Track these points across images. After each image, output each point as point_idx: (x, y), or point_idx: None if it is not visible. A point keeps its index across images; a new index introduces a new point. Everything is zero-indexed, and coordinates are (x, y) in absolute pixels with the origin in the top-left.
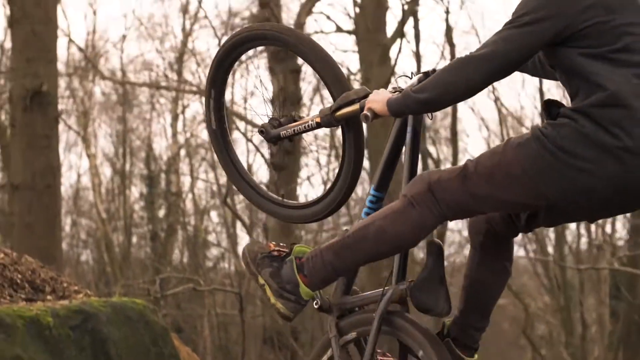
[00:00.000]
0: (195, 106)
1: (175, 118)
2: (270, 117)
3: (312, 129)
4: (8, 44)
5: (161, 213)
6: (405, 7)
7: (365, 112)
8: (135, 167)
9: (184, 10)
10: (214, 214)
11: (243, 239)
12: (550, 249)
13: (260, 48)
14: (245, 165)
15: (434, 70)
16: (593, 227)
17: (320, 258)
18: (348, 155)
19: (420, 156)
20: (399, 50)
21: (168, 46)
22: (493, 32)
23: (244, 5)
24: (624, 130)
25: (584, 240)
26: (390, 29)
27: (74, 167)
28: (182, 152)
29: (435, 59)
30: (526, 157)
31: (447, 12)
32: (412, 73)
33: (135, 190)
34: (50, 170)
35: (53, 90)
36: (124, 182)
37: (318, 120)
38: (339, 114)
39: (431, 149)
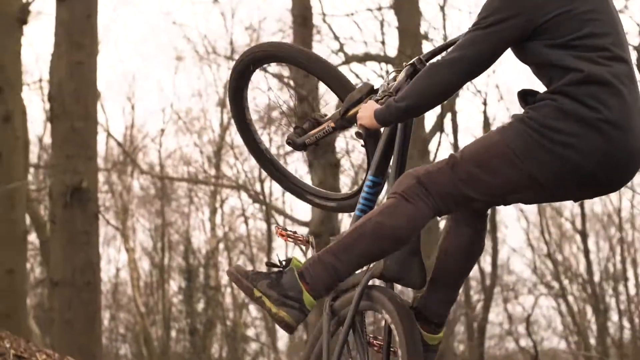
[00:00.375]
0: (234, 200)
1: (213, 212)
2: (294, 126)
3: (330, 133)
4: (47, 139)
5: (200, 307)
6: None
7: (357, 129)
8: (174, 260)
9: (222, 104)
10: (253, 308)
11: (282, 334)
12: (592, 341)
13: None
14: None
15: (412, 71)
16: (637, 319)
17: (320, 263)
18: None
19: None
20: (439, 144)
21: (206, 140)
22: None
23: (282, 98)
24: (602, 103)
25: (627, 332)
26: (429, 122)
27: (113, 261)
28: (221, 245)
29: None
30: (513, 137)
31: (485, 103)
32: (386, 72)
33: (174, 284)
34: (89, 266)
35: (93, 186)
36: (163, 276)
37: (332, 125)
38: (349, 115)
39: None
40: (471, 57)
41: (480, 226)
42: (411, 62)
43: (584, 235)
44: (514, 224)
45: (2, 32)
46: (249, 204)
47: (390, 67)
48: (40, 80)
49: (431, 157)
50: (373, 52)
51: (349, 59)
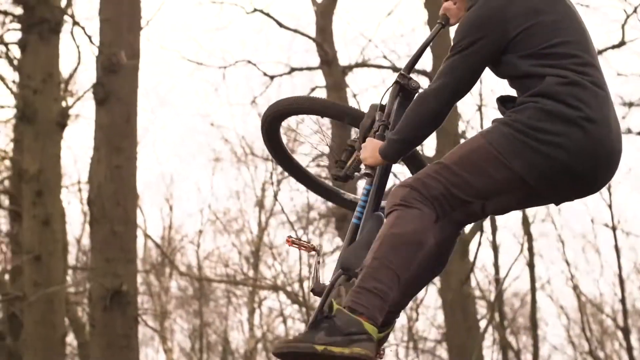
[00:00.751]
0: (272, 300)
1: (251, 312)
2: (335, 161)
3: (360, 162)
4: (85, 240)
5: None
6: None
7: (364, 170)
8: None
9: (260, 204)
10: None
11: None
12: None
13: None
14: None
15: (398, 89)
16: None
17: (366, 292)
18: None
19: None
20: (479, 244)
21: (244, 240)
22: (568, 222)
23: (319, 200)
24: (582, 102)
25: None
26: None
27: None
28: (259, 346)
29: (513, 249)
30: (497, 138)
31: None
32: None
33: None
34: None
35: (132, 289)
36: None
37: (359, 156)
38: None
39: (510, 338)
40: (453, 83)
41: (447, 246)
42: (395, 80)
43: (626, 332)
44: (554, 321)
45: (43, 137)
46: (288, 304)
47: None
48: (79, 182)
49: (471, 257)
50: None
51: None
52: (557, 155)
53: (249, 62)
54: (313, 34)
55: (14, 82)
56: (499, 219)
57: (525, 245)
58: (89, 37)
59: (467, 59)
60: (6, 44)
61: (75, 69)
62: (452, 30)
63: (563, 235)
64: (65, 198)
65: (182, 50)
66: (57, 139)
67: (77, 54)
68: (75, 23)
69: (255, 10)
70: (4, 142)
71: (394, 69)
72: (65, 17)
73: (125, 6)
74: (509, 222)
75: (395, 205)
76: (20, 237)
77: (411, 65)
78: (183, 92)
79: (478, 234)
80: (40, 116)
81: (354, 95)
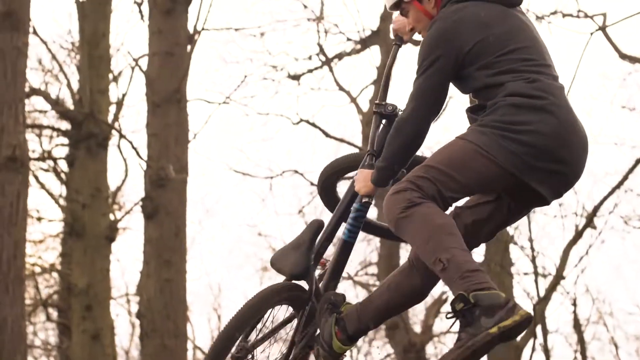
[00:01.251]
0: None
1: None
2: None
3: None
4: (133, 352)
5: None
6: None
7: (364, 200)
8: None
9: None
10: None
11: None
12: None
13: None
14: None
15: (379, 119)
16: None
17: (470, 273)
18: None
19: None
20: (532, 349)
21: None
22: (621, 324)
23: None
24: (546, 92)
25: None
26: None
27: None
28: None
29: (566, 353)
30: (476, 136)
31: (575, 304)
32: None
33: None
34: None
35: None
36: None
37: None
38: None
39: None
40: (423, 103)
41: (428, 281)
42: (373, 111)
43: None
44: None
45: (91, 252)
46: None
47: None
48: (127, 294)
49: None
50: None
51: None
52: (535, 141)
53: (296, 171)
54: (359, 143)
55: (61, 196)
56: (550, 324)
57: (578, 349)
58: (136, 151)
59: (431, 78)
60: (54, 159)
61: (123, 182)
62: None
63: (616, 337)
64: (114, 310)
65: (229, 162)
66: (105, 253)
67: (124, 166)
68: (122, 136)
69: (301, 120)
70: (52, 256)
71: None
72: (112, 131)
73: (172, 120)
74: (561, 326)
75: (404, 209)
76: (69, 351)
77: (383, 93)
78: (230, 203)
79: (531, 340)
80: (89, 231)
81: None
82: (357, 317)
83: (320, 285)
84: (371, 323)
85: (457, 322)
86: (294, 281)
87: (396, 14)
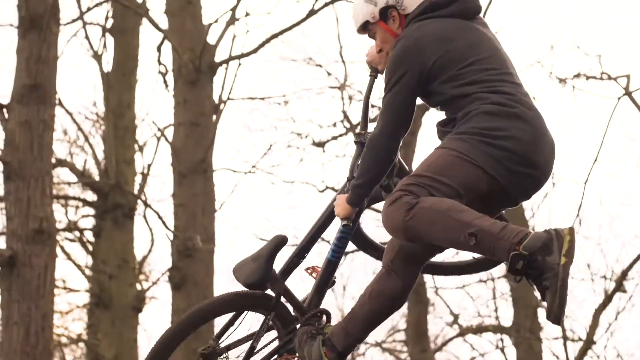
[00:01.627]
0: None
1: None
2: None
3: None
4: None
5: None
6: None
7: (343, 223)
8: None
9: None
10: None
11: None
12: None
13: None
14: None
15: (361, 148)
16: None
17: (500, 231)
18: None
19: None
20: None
21: None
22: None
23: None
24: (514, 100)
25: None
26: None
27: None
28: None
29: None
30: (456, 144)
31: None
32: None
33: None
34: None
35: None
36: None
37: None
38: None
39: None
40: (392, 119)
41: (408, 281)
42: (354, 141)
43: None
44: None
45: (119, 323)
46: None
47: (505, 338)
48: None
49: None
50: (487, 323)
51: (463, 331)
52: (513, 146)
53: (322, 239)
54: None
55: (87, 266)
56: None
57: None
58: (163, 221)
59: (398, 95)
60: (80, 230)
61: (149, 252)
62: None
63: None
64: None
65: (256, 230)
66: (133, 323)
67: (151, 236)
68: (147, 206)
69: (327, 188)
70: (79, 327)
71: None
72: (138, 201)
73: (199, 190)
74: None
75: (407, 211)
76: None
77: (364, 123)
78: None
79: None
80: (116, 301)
81: None
82: (344, 333)
83: (306, 300)
84: (360, 334)
85: (529, 279)
86: (256, 290)
87: (367, 49)
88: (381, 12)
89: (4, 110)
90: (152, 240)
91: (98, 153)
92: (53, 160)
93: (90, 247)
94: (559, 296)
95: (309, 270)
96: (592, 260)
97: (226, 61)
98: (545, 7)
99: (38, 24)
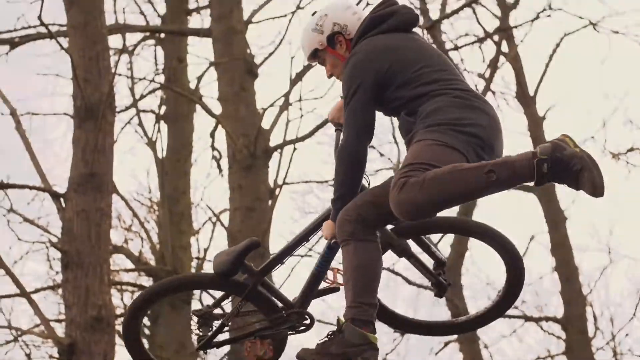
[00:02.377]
0: None
1: None
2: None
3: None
4: None
5: None
6: None
7: (331, 242)
8: None
9: None
10: None
11: None
12: None
13: None
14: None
15: None
16: None
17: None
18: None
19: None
20: None
21: None
22: None
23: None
24: (471, 93)
25: None
26: None
27: None
28: None
29: None
30: (436, 136)
31: None
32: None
33: None
34: None
35: None
36: None
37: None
38: None
39: None
40: (355, 130)
41: (375, 238)
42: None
43: None
44: None
45: None
46: None
47: None
48: None
49: None
50: None
51: None
52: (480, 133)
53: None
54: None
55: None
56: None
57: None
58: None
59: (357, 103)
60: None
61: None
62: None
63: None
64: None
65: (314, 311)
66: None
67: None
68: (204, 291)
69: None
70: None
71: None
72: None
73: None
74: None
75: (420, 185)
76: None
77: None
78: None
79: None
80: None
81: None
82: (358, 307)
83: (295, 299)
84: (373, 300)
85: (557, 179)
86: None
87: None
88: (328, 38)
89: (61, 199)
90: None
91: (153, 238)
92: (110, 247)
93: (148, 332)
94: (594, 166)
95: (335, 270)
96: None
97: (281, 146)
98: (595, 81)
99: (94, 114)
